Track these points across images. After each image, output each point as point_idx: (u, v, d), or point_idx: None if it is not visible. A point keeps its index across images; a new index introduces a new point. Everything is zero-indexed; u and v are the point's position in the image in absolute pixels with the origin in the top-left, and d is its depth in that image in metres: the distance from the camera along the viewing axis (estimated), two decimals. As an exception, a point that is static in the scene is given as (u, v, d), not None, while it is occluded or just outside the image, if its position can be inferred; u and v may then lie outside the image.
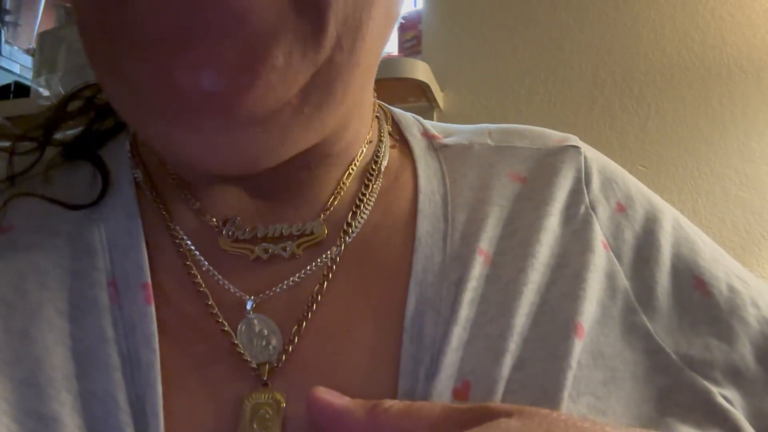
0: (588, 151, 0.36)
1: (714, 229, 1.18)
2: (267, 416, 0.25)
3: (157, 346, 0.26)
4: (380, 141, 0.35)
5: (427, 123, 0.38)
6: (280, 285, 0.29)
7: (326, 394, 0.25)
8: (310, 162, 0.31)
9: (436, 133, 0.37)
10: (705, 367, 0.30)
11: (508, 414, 0.23)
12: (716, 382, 0.29)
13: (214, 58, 0.21)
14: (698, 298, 0.32)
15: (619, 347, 0.29)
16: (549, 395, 0.26)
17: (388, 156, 0.34)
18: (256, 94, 0.22)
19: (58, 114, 0.34)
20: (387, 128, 0.36)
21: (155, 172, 0.32)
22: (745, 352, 0.31)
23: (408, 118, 0.38)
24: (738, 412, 0.29)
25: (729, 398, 0.29)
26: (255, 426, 0.25)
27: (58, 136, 0.35)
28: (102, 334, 0.26)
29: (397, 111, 0.39)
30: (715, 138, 1.19)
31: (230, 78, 0.21)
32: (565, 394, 0.26)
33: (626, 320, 0.30)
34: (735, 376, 0.30)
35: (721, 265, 0.33)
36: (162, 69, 0.21)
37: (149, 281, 0.28)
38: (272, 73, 0.22)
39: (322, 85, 0.24)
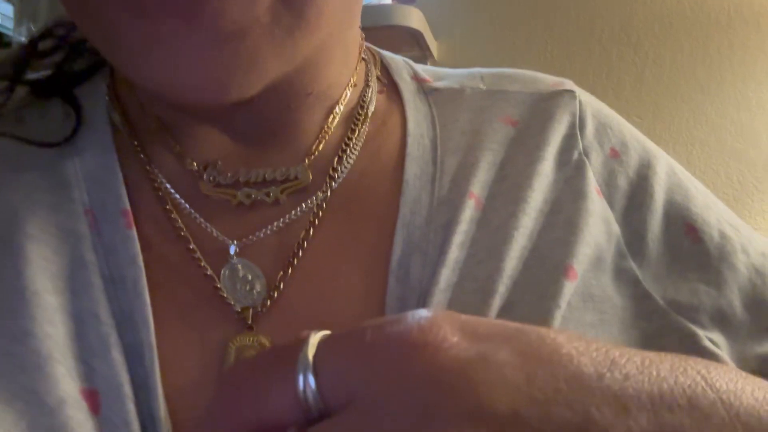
0: (583, 95, 0.35)
1: (707, 180, 1.18)
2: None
3: (141, 263, 0.26)
4: (367, 85, 0.33)
5: (418, 66, 0.37)
6: (263, 230, 0.28)
7: None
8: (290, 102, 0.30)
9: (427, 77, 0.36)
10: (692, 311, 0.30)
11: None
12: (703, 326, 0.30)
13: None
14: (689, 244, 0.32)
15: (608, 291, 0.29)
16: None
17: (375, 101, 0.33)
18: (222, 6, 0.21)
19: (29, 52, 0.33)
20: (375, 72, 0.35)
21: (134, 116, 0.31)
22: (733, 298, 0.31)
23: (398, 62, 0.37)
24: (724, 354, 0.29)
25: (715, 341, 0.29)
26: None
27: (31, 76, 0.33)
28: (81, 258, 0.26)
29: (387, 54, 0.37)
30: (713, 87, 1.18)
31: None
32: None
33: (617, 265, 0.30)
34: (721, 321, 0.30)
35: (713, 211, 0.33)
36: None
37: (128, 208, 0.27)
38: None
39: (293, 7, 0.23)
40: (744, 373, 0.22)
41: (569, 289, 0.27)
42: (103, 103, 0.31)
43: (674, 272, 0.31)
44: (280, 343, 0.21)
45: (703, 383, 0.20)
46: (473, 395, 0.17)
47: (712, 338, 0.29)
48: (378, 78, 0.35)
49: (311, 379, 0.19)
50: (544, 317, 0.26)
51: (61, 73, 0.33)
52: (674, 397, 0.19)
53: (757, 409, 0.20)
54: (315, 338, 0.20)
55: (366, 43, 0.35)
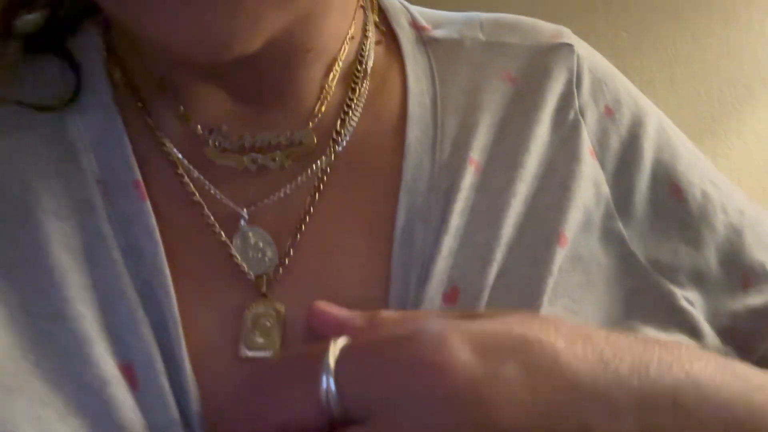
0: (580, 48, 0.35)
1: (688, 98, 1.19)
2: (268, 325, 0.26)
3: (158, 236, 0.26)
4: (365, 36, 0.33)
5: (415, 10, 0.36)
6: (271, 196, 0.29)
7: (327, 307, 0.26)
8: (290, 59, 0.29)
9: (425, 24, 0.35)
10: (671, 271, 0.32)
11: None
12: (680, 285, 0.32)
13: None
14: (672, 204, 0.33)
15: (595, 252, 0.31)
16: (529, 301, 0.28)
17: (373, 54, 0.33)
18: None
19: (14, 2, 0.31)
20: (373, 17, 0.34)
21: (136, 74, 0.30)
22: (710, 257, 0.33)
23: (395, 6, 0.36)
24: (698, 312, 0.31)
25: (690, 299, 0.32)
26: (258, 335, 0.26)
27: (17, 22, 0.31)
28: (99, 231, 0.26)
29: None
30: (702, 3, 1.15)
31: None
32: (545, 300, 0.28)
33: (605, 226, 0.31)
34: (698, 278, 0.32)
35: (698, 169, 0.35)
36: None
37: (140, 179, 0.27)
38: None
39: None
40: (724, 362, 0.25)
41: (560, 255, 0.29)
42: (100, 58, 0.30)
43: (657, 231, 0.32)
44: (299, 350, 0.23)
45: (687, 381, 0.22)
46: (485, 414, 0.20)
47: (688, 297, 0.32)
48: (376, 24, 0.34)
49: (333, 384, 0.20)
50: (537, 284, 0.28)
51: (52, 23, 0.31)
52: (660, 398, 0.22)
53: (734, 402, 0.23)
54: (336, 346, 0.21)
55: None
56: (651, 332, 0.30)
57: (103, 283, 0.25)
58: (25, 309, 0.24)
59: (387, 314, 0.26)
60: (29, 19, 0.32)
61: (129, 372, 0.24)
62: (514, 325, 0.23)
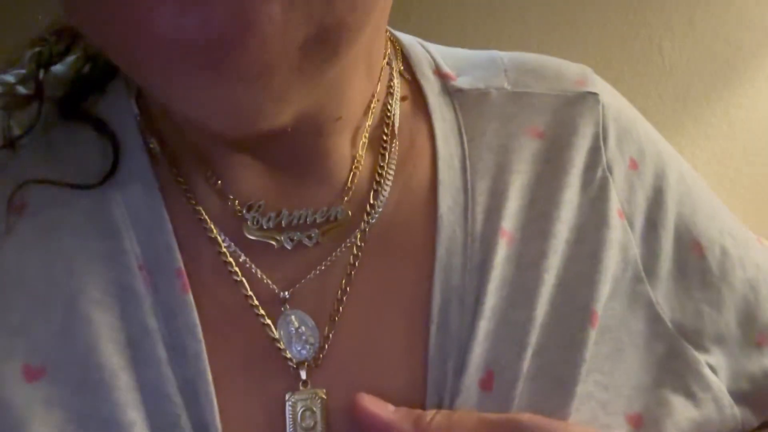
0: (605, 95, 0.35)
1: (707, 44, 1.14)
2: (312, 412, 0.27)
3: (201, 336, 0.27)
4: (389, 93, 0.32)
5: (436, 53, 0.35)
6: (308, 275, 0.29)
7: (372, 404, 0.27)
8: (321, 128, 0.29)
9: (449, 71, 0.35)
10: (695, 335, 0.32)
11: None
12: (705, 350, 0.32)
13: (198, 3, 0.19)
14: (694, 261, 0.33)
15: (623, 318, 0.31)
16: (564, 387, 0.29)
17: (398, 112, 0.32)
18: (248, 49, 0.20)
19: (45, 57, 0.30)
20: (398, 66, 0.34)
21: (172, 142, 0.30)
22: (730, 318, 0.33)
23: (417, 52, 0.35)
24: (720, 381, 0.32)
25: (713, 365, 0.32)
26: (303, 424, 0.27)
27: (47, 78, 0.30)
28: (144, 324, 0.26)
29: (405, 41, 0.35)
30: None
31: (217, 29, 0.19)
32: (579, 388, 0.29)
33: (633, 291, 0.32)
34: (720, 341, 0.33)
35: (717, 222, 0.35)
36: (141, 16, 0.19)
37: (182, 267, 0.28)
38: (268, 26, 0.20)
39: (327, 44, 0.22)
40: None
41: (593, 336, 0.29)
42: (134, 124, 0.30)
43: (681, 290, 0.33)
44: None
45: None
46: None
47: (710, 363, 0.32)
48: (401, 73, 0.34)
49: None
50: (572, 369, 0.29)
51: (80, 83, 0.30)
52: None
53: None
54: None
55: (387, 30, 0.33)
56: (680, 402, 0.31)
57: (148, 384, 0.26)
58: (77, 410, 0.25)
59: (431, 415, 0.27)
60: (58, 76, 0.31)
61: None
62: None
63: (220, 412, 0.26)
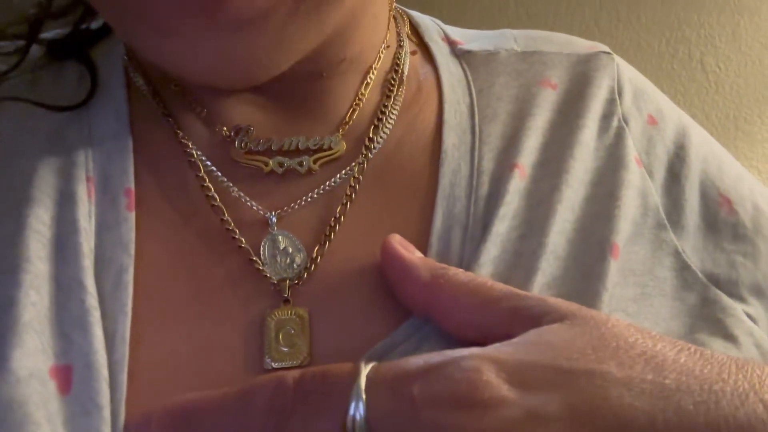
0: (617, 58, 0.35)
1: (755, 56, 1.11)
2: (292, 332, 0.25)
3: (133, 251, 0.25)
4: (399, 46, 0.33)
5: (447, 28, 0.36)
6: (298, 201, 0.28)
7: (399, 245, 0.26)
8: (322, 69, 0.29)
9: (458, 38, 0.35)
10: (730, 285, 0.30)
11: (561, 317, 0.22)
12: (741, 299, 0.30)
13: None
14: (724, 216, 0.32)
15: (648, 264, 0.29)
16: None
17: (408, 62, 0.32)
18: None
19: (44, 10, 0.31)
20: (406, 30, 0.34)
21: (156, 80, 0.30)
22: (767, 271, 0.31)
23: (427, 22, 0.36)
24: (761, 329, 0.29)
25: (752, 315, 0.30)
26: (281, 343, 0.25)
27: (45, 35, 0.32)
28: (75, 225, 0.25)
29: (415, 14, 0.36)
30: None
31: None
32: None
33: (656, 237, 0.30)
34: (758, 293, 0.30)
35: (746, 182, 0.34)
36: None
37: (132, 187, 0.27)
38: None
39: None
40: None
41: (614, 267, 0.27)
42: (120, 65, 0.30)
43: (710, 243, 0.31)
44: (321, 368, 0.21)
45: (764, 415, 0.19)
46: None
47: (749, 312, 0.29)
48: (408, 37, 0.34)
49: (362, 412, 0.19)
50: (591, 300, 0.26)
51: (77, 32, 0.32)
52: None
53: None
54: (364, 371, 0.20)
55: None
56: (720, 344, 0.28)
57: (65, 274, 0.24)
58: None
59: (454, 272, 0.25)
60: (56, 32, 0.32)
61: (64, 373, 0.22)
62: (559, 350, 0.20)
63: (162, 337, 0.25)
